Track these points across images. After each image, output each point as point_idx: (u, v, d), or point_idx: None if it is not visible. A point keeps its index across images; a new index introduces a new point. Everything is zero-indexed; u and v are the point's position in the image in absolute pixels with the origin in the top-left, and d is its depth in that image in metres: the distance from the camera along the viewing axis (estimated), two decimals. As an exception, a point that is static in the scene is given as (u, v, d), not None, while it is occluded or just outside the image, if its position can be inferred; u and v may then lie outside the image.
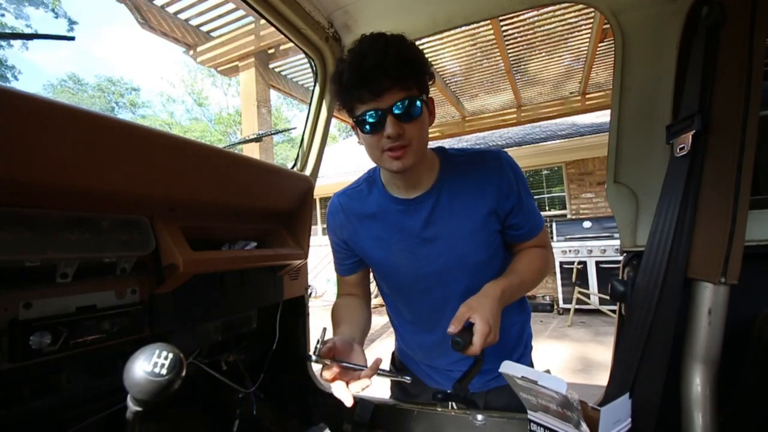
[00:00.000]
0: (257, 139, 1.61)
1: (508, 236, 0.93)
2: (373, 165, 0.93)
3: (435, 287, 0.91)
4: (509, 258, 0.96)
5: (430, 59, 0.87)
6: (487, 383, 0.98)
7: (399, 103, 0.73)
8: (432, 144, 0.92)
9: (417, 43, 0.85)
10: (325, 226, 9.46)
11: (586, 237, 6.15)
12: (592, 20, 3.43)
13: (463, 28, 3.38)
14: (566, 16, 3.42)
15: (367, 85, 0.72)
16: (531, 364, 1.04)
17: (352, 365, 0.71)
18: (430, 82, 0.80)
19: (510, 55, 3.99)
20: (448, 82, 4.56)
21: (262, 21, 2.82)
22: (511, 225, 0.90)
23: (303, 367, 1.34)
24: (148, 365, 0.56)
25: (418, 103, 0.75)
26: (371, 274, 1.05)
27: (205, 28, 3.73)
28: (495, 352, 0.95)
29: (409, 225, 0.89)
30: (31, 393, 0.73)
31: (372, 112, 0.74)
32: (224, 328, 1.12)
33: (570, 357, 4.10)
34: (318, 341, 0.70)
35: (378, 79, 0.71)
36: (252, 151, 3.48)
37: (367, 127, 0.76)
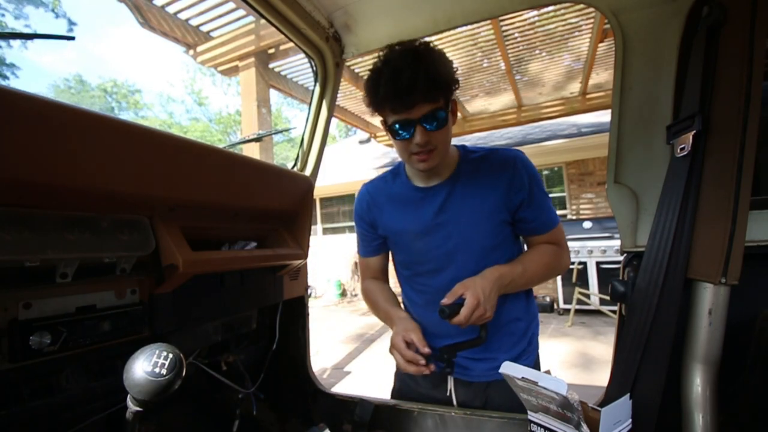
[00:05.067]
0: (257, 139, 1.61)
1: (520, 229, 1.00)
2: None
3: (444, 269, 0.98)
4: (519, 252, 1.02)
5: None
6: (488, 372, 0.99)
7: (428, 115, 0.84)
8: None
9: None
10: (325, 226, 9.52)
11: (586, 237, 6.13)
12: (592, 20, 3.43)
13: (463, 28, 3.38)
14: (567, 16, 3.42)
15: (401, 99, 0.82)
16: (536, 363, 1.05)
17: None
18: (455, 87, 0.89)
19: (510, 55, 3.99)
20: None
21: (262, 21, 2.82)
22: (521, 218, 0.97)
23: (303, 367, 1.34)
24: (148, 365, 0.57)
25: (443, 113, 0.86)
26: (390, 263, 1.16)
27: (205, 28, 3.73)
28: (497, 344, 0.99)
29: (426, 210, 0.99)
30: (31, 393, 0.73)
31: (404, 122, 0.85)
32: (224, 329, 1.12)
33: (569, 353, 4.14)
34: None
35: (411, 94, 0.81)
36: (252, 151, 3.48)
37: (399, 134, 0.87)
